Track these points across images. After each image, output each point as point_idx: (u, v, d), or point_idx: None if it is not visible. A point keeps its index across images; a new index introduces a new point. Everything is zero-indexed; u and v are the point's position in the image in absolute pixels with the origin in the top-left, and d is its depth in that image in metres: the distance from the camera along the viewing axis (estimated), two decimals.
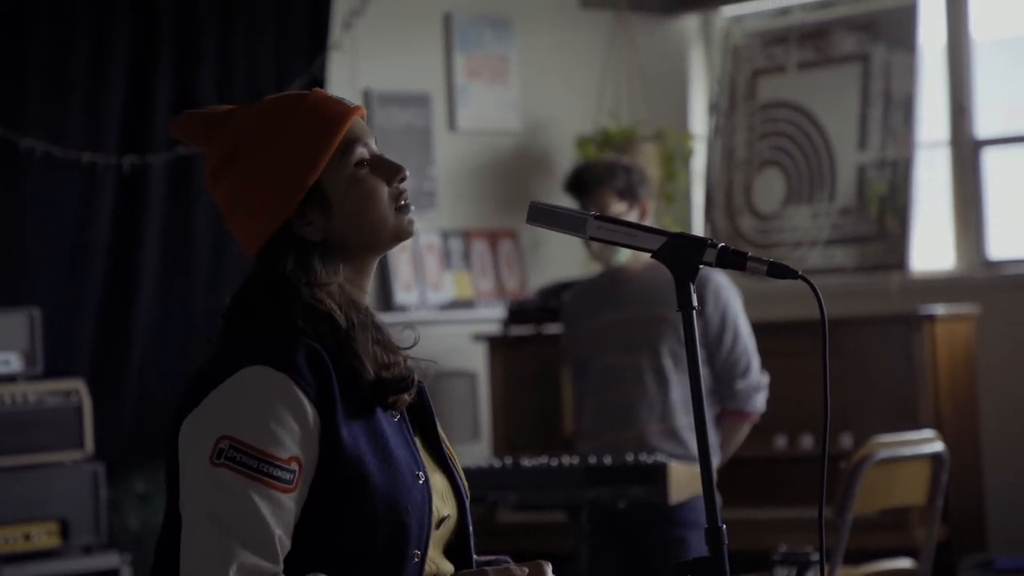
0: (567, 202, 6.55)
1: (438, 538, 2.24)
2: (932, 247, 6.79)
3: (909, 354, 5.99)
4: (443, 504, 2.25)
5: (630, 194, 4.77)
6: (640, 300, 4.78)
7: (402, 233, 2.26)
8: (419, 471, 2.19)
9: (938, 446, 4.47)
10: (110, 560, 5.25)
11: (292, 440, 2.10)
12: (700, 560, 2.11)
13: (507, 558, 2.31)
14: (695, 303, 2.15)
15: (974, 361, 6.22)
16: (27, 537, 5.13)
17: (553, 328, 6.21)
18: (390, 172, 2.25)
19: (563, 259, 6.87)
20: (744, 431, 4.84)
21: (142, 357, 5.81)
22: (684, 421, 4.70)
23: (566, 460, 4.45)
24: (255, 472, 2.08)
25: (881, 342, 6.07)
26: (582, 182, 4.83)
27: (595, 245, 4.70)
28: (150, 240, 5.83)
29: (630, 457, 4.41)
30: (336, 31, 6.27)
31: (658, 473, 4.29)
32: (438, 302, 6.70)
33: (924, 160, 6.79)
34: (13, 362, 5.25)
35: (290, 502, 2.10)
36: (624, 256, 4.75)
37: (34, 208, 5.64)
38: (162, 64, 5.87)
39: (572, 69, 7.18)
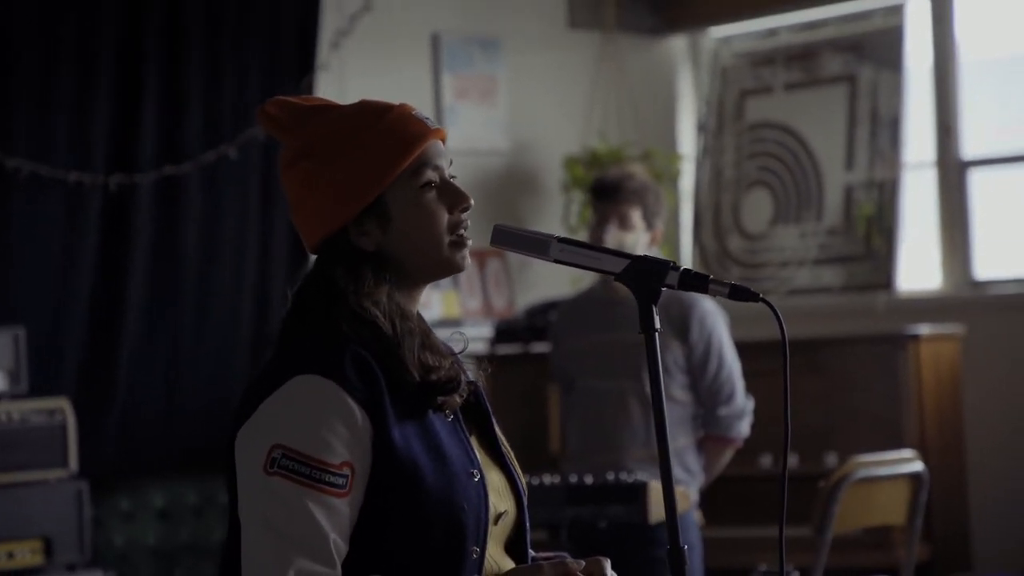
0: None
1: (497, 534, 2.28)
2: (918, 267, 6.80)
3: (895, 374, 6.00)
4: (500, 500, 2.28)
5: (651, 218, 4.73)
6: (627, 323, 4.76)
7: (452, 267, 2.32)
8: (474, 469, 2.23)
9: (917, 466, 4.48)
10: None
11: (343, 445, 2.14)
12: None
13: (565, 554, 2.34)
14: (658, 326, 2.16)
15: (959, 381, 6.22)
16: (10, 555, 5.13)
17: (540, 347, 6.21)
18: (454, 199, 2.29)
19: (551, 278, 6.87)
20: (727, 455, 4.83)
21: (128, 376, 5.82)
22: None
23: (547, 479, 4.45)
24: (308, 479, 2.12)
25: (867, 362, 6.08)
26: (616, 189, 4.71)
27: None
28: (137, 259, 5.83)
29: (610, 476, 4.41)
30: (324, 51, 6.27)
31: (638, 492, 4.28)
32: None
33: (911, 180, 6.80)
34: None
35: (344, 506, 2.14)
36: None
37: (20, 227, 5.64)
38: (148, 83, 5.87)
39: (560, 89, 7.19)
